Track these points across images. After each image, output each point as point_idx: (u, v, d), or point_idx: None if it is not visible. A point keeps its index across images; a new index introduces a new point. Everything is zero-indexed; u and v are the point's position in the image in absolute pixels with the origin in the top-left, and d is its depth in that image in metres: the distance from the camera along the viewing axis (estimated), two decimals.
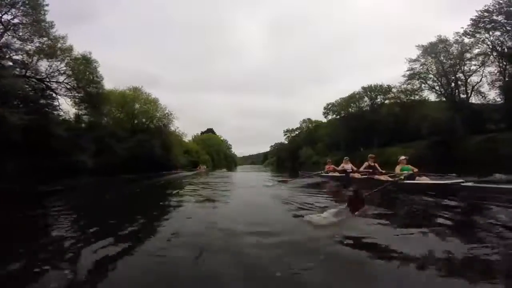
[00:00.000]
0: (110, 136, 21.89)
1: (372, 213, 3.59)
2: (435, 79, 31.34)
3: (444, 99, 30.56)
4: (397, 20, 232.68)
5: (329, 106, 45.62)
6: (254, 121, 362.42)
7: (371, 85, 40.80)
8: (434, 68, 30.79)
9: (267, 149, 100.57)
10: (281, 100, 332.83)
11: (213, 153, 59.06)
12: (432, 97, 32.65)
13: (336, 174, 9.13)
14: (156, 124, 28.90)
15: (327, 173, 9.68)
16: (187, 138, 50.90)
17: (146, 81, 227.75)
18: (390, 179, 6.18)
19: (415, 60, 31.67)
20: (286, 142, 67.48)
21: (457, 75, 28.71)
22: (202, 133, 72.80)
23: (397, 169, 6.51)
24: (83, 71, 19.91)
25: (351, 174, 8.11)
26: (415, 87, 33.68)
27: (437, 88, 31.53)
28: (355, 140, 38.87)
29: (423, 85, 32.78)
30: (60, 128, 15.92)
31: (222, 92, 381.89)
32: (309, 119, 61.40)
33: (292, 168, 30.13)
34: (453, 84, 29.16)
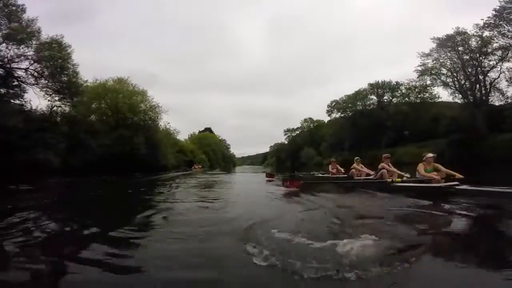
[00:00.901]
0: (86, 132, 19.38)
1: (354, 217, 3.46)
2: (450, 74, 28.88)
3: (460, 95, 28.08)
4: (397, 20, 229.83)
5: (333, 104, 43.08)
6: (254, 121, 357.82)
7: (378, 81, 38.43)
8: (449, 63, 28.35)
9: (267, 149, 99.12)
10: (281, 100, 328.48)
11: (210, 152, 56.32)
12: (445, 94, 30.41)
13: (336, 175, 8.87)
14: (142, 118, 25.90)
15: (326, 174, 9.48)
16: (184, 137, 48.79)
17: (145, 81, 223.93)
18: (405, 178, 5.90)
19: (427, 55, 29.31)
20: (286, 142, 65.16)
21: (477, 70, 26.11)
22: (200, 132, 70.11)
23: (421, 169, 5.46)
24: (54, 57, 17.47)
25: (352, 171, 7.85)
26: (426, 83, 31.49)
27: (451, 84, 29.05)
28: (361, 140, 36.49)
29: (435, 81, 30.44)
30: (15, 120, 13.36)
31: (222, 91, 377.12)
32: (310, 118, 59.17)
33: (292, 169, 28.30)
34: (473, 79, 26.54)
